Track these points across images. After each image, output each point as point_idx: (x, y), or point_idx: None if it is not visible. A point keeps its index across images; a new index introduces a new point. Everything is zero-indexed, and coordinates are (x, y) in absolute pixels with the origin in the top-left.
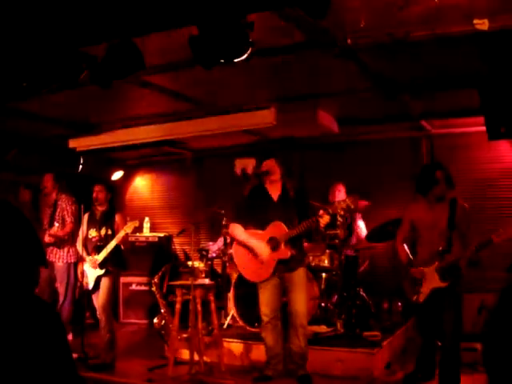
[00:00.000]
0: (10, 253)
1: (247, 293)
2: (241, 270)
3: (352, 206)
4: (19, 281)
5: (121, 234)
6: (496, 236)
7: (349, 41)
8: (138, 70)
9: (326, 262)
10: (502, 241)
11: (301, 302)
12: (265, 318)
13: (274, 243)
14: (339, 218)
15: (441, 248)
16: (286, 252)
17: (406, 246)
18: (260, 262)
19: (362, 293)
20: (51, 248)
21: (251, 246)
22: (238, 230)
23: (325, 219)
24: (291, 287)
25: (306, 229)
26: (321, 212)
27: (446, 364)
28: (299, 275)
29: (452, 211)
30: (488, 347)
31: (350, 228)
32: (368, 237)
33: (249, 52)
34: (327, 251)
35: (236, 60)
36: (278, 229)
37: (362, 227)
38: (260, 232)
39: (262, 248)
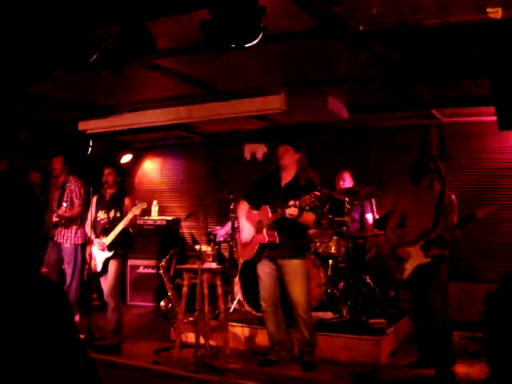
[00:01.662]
0: (17, 232)
1: (254, 277)
2: (238, 247)
3: (316, 203)
4: (25, 260)
5: (129, 216)
6: (479, 211)
7: (361, 27)
8: (149, 54)
9: (333, 248)
10: (485, 215)
11: (299, 294)
12: (263, 304)
13: (259, 226)
14: (347, 206)
15: (426, 228)
16: (263, 237)
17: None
18: (249, 241)
19: (368, 280)
20: (59, 229)
21: (241, 225)
22: (241, 209)
23: (290, 211)
24: (289, 279)
25: (277, 218)
26: (290, 202)
27: (436, 341)
28: (294, 266)
29: (440, 198)
30: (488, 336)
31: (362, 219)
32: (375, 224)
33: (260, 37)
34: (334, 238)
35: (247, 45)
36: (264, 213)
37: (369, 217)
38: (255, 213)
39: (247, 228)
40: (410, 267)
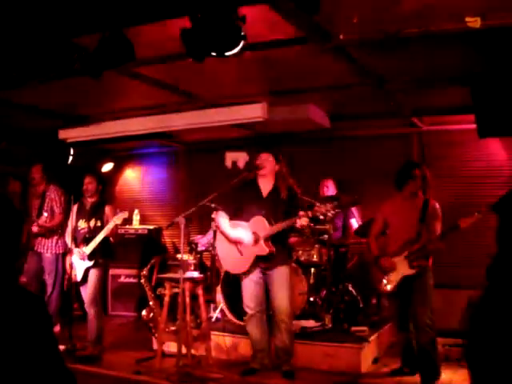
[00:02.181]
0: None
1: (236, 286)
2: (221, 260)
3: (329, 215)
4: (2, 271)
5: (110, 226)
6: (462, 221)
7: (341, 36)
8: (129, 61)
9: (315, 256)
10: (469, 226)
11: (282, 298)
12: (248, 311)
13: (254, 238)
14: (329, 214)
15: (410, 237)
16: (263, 248)
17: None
18: (239, 254)
19: (350, 288)
20: (39, 239)
21: (235, 236)
22: (222, 220)
23: (302, 221)
24: (273, 283)
25: (283, 228)
26: (301, 213)
27: (423, 356)
28: (282, 272)
29: (424, 207)
30: (470, 343)
31: (345, 227)
32: (356, 231)
33: (241, 45)
34: (316, 246)
35: (228, 53)
36: (260, 224)
37: (354, 224)
38: (244, 225)
39: (249, 239)
40: (394, 278)
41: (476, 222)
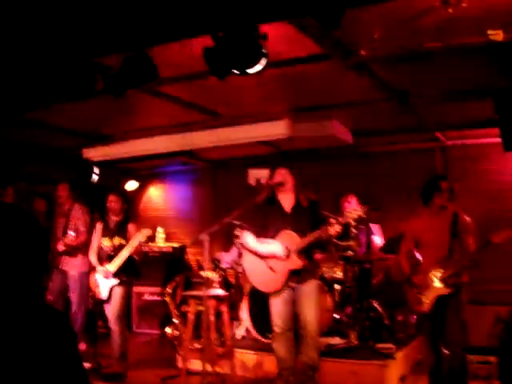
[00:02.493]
0: (21, 260)
1: (260, 303)
2: (252, 280)
3: (363, 216)
4: (28, 288)
5: (134, 243)
6: (494, 236)
7: (362, 52)
8: (151, 80)
9: (340, 273)
10: (501, 241)
11: (311, 314)
12: (277, 329)
13: (286, 252)
14: (353, 230)
15: (443, 255)
16: (297, 262)
17: (417, 255)
18: (271, 271)
19: (375, 305)
20: (64, 257)
21: (267, 251)
22: (249, 237)
23: (335, 228)
24: (302, 298)
25: (316, 238)
26: (331, 221)
27: (453, 374)
28: (310, 287)
29: (454, 220)
30: (504, 360)
31: (369, 242)
32: (382, 248)
33: (263, 63)
34: (341, 263)
35: (250, 71)
36: (290, 238)
37: (377, 240)
38: (271, 241)
39: (281, 252)
40: (430, 298)
41: (509, 236)
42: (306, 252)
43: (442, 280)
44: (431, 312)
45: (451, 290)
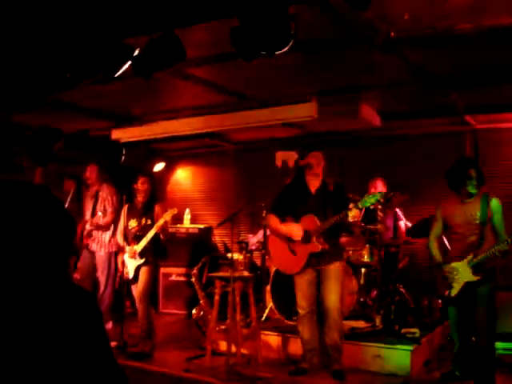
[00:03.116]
0: (46, 241)
1: (285, 286)
2: (274, 261)
3: (382, 201)
4: (54, 268)
5: (160, 222)
6: None
7: (392, 34)
8: (179, 61)
9: (366, 257)
10: None
11: (334, 296)
12: (301, 311)
13: (306, 236)
14: (380, 213)
15: (473, 241)
16: (316, 245)
17: (445, 241)
18: (293, 253)
19: (401, 289)
20: (93, 237)
21: (285, 231)
22: (273, 221)
23: (353, 212)
24: (326, 281)
25: (335, 222)
26: (350, 205)
27: (480, 362)
28: (335, 270)
29: (484, 207)
30: None
31: (395, 226)
32: (409, 232)
33: (290, 44)
34: (367, 246)
35: (277, 52)
36: (310, 222)
37: (403, 224)
38: (295, 224)
39: (298, 234)
40: (458, 285)
41: None
42: (327, 235)
43: (472, 267)
44: (459, 298)
45: (480, 277)
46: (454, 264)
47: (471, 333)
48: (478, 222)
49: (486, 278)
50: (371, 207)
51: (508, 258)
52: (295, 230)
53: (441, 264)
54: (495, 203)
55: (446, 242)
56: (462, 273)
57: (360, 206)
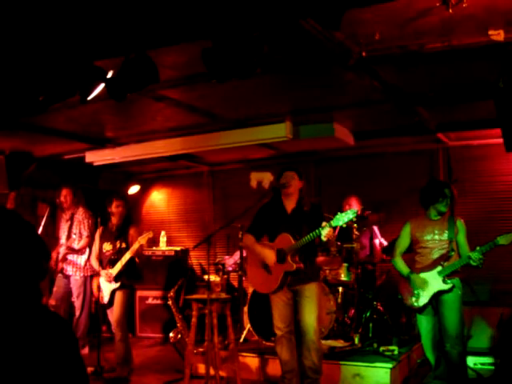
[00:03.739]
0: (15, 265)
1: (263, 307)
2: (250, 281)
3: (354, 219)
4: (25, 294)
5: (135, 246)
6: (500, 238)
7: (364, 54)
8: (152, 83)
9: (343, 275)
10: (507, 243)
11: (312, 317)
12: (278, 332)
13: (281, 255)
14: (355, 232)
15: (442, 254)
16: (291, 264)
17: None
18: (268, 273)
19: (379, 307)
20: (68, 261)
21: (261, 256)
22: (249, 241)
23: (326, 231)
24: (302, 302)
25: (308, 240)
26: (323, 224)
27: (453, 369)
28: (310, 290)
29: (451, 225)
30: (503, 361)
31: (371, 245)
32: (384, 250)
33: (263, 65)
34: (343, 265)
35: (250, 73)
36: (285, 241)
37: (377, 242)
38: (270, 244)
39: (271, 259)
40: (427, 294)
41: None
42: (302, 255)
43: (440, 275)
44: (428, 308)
45: (449, 286)
46: (422, 275)
47: (443, 341)
48: (446, 238)
49: (455, 287)
50: (344, 225)
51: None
52: (268, 254)
53: (409, 275)
54: (460, 223)
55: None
56: (431, 283)
57: (333, 225)
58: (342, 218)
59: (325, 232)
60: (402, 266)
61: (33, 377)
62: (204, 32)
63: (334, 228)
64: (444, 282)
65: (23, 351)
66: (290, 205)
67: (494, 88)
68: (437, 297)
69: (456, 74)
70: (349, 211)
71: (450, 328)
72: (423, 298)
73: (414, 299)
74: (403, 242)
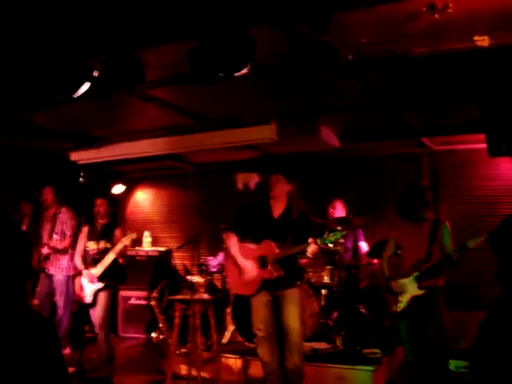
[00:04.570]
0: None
1: (246, 308)
2: (229, 282)
3: (341, 241)
4: (10, 293)
5: (119, 247)
6: (470, 241)
7: (350, 57)
8: (138, 83)
9: (326, 278)
10: (475, 246)
11: (294, 320)
12: (259, 333)
13: (262, 262)
14: (339, 241)
15: (419, 258)
16: (271, 272)
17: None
18: (247, 276)
19: (362, 309)
20: (51, 261)
21: (239, 261)
22: (231, 241)
23: (312, 248)
24: (284, 306)
25: (293, 254)
26: (310, 240)
27: (435, 374)
28: (292, 294)
29: (435, 228)
30: (475, 364)
31: (355, 248)
32: (368, 253)
33: (249, 66)
34: (327, 267)
35: (236, 74)
36: (269, 248)
37: (363, 245)
38: (253, 247)
39: (249, 266)
40: (405, 299)
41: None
42: (283, 263)
43: (417, 282)
44: (406, 314)
45: (424, 291)
46: (401, 280)
47: (423, 347)
48: (426, 241)
49: (432, 293)
50: (331, 245)
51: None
52: (247, 265)
53: (388, 278)
54: (445, 226)
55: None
56: (408, 288)
57: (319, 243)
58: (329, 239)
59: (310, 249)
60: (385, 267)
61: (14, 375)
62: (190, 32)
63: (320, 246)
64: (419, 287)
65: (5, 350)
66: (277, 209)
67: (479, 93)
68: (415, 303)
69: (441, 78)
70: (337, 232)
71: (429, 337)
72: (401, 304)
73: (393, 305)
74: (389, 248)
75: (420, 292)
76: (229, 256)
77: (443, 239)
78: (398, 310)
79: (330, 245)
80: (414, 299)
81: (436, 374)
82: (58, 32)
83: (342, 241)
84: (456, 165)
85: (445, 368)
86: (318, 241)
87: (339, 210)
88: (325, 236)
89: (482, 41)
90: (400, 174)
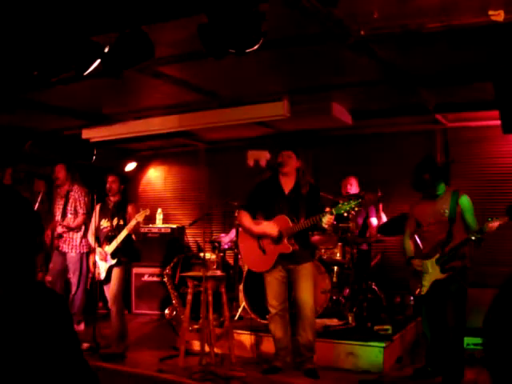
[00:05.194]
0: (11, 242)
1: (258, 285)
2: (244, 259)
3: (356, 209)
4: (20, 269)
5: (132, 223)
6: (487, 227)
7: (362, 32)
8: (148, 59)
9: (338, 255)
10: (492, 231)
11: (307, 295)
12: (272, 310)
13: (277, 236)
14: (352, 212)
15: (441, 239)
16: (287, 247)
17: (417, 239)
18: (262, 252)
19: (373, 286)
20: (64, 238)
21: (259, 231)
22: (245, 218)
23: (327, 218)
24: (297, 280)
25: (308, 226)
26: (327, 209)
27: (449, 358)
28: (306, 269)
29: (453, 203)
30: (488, 341)
31: (365, 224)
32: (380, 230)
33: (260, 42)
34: (339, 244)
35: (247, 50)
36: (283, 222)
37: (374, 222)
38: (266, 223)
39: (274, 232)
40: (427, 283)
41: (502, 225)
42: (297, 237)
43: (439, 265)
44: (429, 296)
45: (448, 274)
46: (422, 261)
47: (441, 329)
48: (446, 219)
49: (455, 276)
50: (345, 214)
51: (475, 258)
52: (270, 227)
53: (410, 258)
54: (465, 200)
55: (419, 241)
56: (430, 271)
57: (335, 213)
58: (345, 208)
59: (325, 219)
60: (407, 247)
61: (27, 352)
62: (199, 7)
63: (336, 217)
64: (442, 271)
65: (17, 326)
66: (287, 185)
67: (493, 70)
68: (436, 286)
69: (455, 54)
70: (352, 202)
71: (448, 319)
72: (424, 288)
73: (417, 288)
74: (410, 225)
75: (442, 275)
76: (242, 233)
77: (465, 215)
78: (423, 293)
79: (345, 213)
80: (436, 282)
81: (450, 352)
82: (66, 8)
83: (356, 209)
84: (469, 142)
85: (460, 347)
86: (334, 210)
87: (354, 187)
88: (339, 206)
89: (497, 15)
90: (414, 150)
